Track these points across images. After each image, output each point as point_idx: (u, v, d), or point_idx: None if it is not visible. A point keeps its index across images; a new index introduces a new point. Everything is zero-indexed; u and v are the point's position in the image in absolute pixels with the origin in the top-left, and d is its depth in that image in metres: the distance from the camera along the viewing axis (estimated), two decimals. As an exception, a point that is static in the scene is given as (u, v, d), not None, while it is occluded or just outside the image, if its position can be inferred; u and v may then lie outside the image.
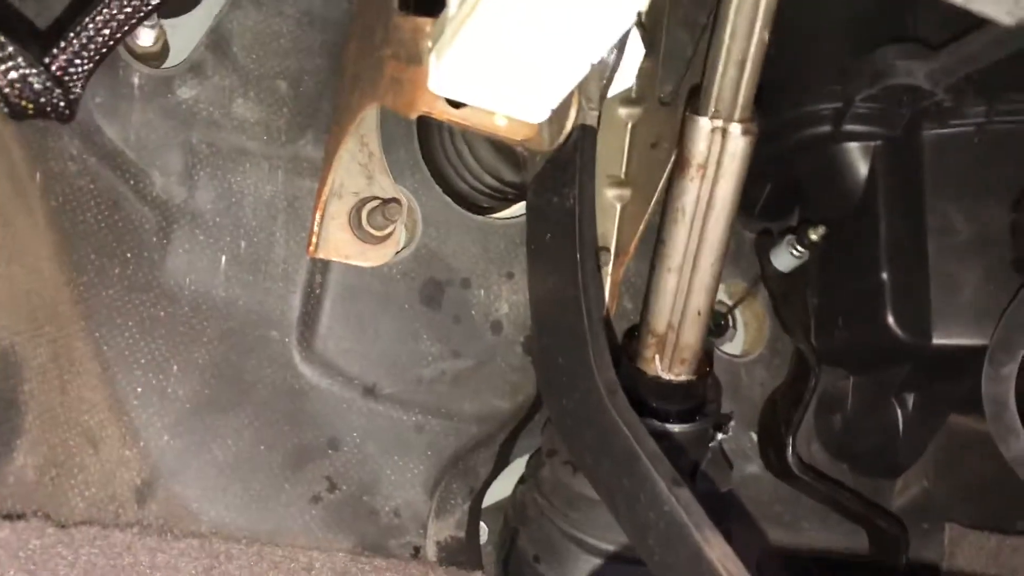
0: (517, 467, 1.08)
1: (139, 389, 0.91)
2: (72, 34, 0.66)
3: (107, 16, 0.66)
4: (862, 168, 1.03)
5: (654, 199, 0.98)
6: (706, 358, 0.92)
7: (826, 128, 1.02)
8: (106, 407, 0.88)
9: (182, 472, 0.92)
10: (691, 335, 0.86)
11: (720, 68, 0.79)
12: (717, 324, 1.18)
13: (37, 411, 0.84)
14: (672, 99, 0.99)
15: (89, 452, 0.87)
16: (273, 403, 0.96)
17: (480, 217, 1.03)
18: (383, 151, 0.94)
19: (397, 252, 0.98)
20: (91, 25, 0.66)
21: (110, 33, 0.67)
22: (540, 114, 0.75)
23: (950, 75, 0.93)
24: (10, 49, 0.61)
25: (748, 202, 1.18)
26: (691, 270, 0.84)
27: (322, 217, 0.93)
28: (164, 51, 0.93)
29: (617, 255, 1.05)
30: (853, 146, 1.02)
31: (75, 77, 0.66)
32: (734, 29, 0.77)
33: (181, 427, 0.93)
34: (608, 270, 1.05)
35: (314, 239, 0.93)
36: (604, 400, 0.68)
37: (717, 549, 0.60)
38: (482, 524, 1.09)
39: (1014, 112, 0.96)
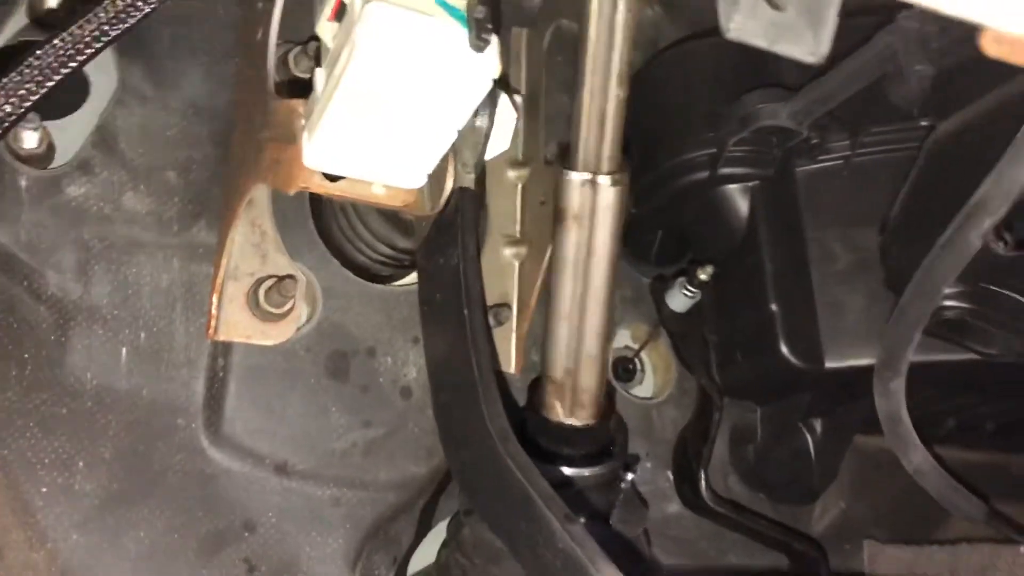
0: (441, 531, 1.09)
1: (44, 490, 0.90)
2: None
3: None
4: (742, 208, 1.08)
5: (548, 254, 1.01)
6: (608, 401, 0.95)
7: (704, 174, 1.07)
8: (9, 512, 0.87)
9: (93, 569, 0.90)
10: (588, 379, 0.89)
11: (584, 125, 0.84)
12: (626, 369, 1.21)
13: (-66, 524, 0.83)
14: (556, 158, 1.03)
15: (-7, 560, 0.85)
16: (184, 490, 0.95)
17: (380, 286, 1.05)
18: (278, 232, 0.96)
19: (299, 328, 0.99)
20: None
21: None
22: (414, 181, 0.78)
23: (811, 114, 1.00)
24: None
25: (643, 250, 1.23)
26: (579, 317, 0.87)
27: (219, 300, 0.93)
28: (50, 152, 0.94)
29: (520, 311, 1.08)
30: (731, 188, 1.08)
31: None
32: (592, 89, 0.82)
33: (90, 523, 0.91)
34: (513, 325, 1.08)
35: (213, 322, 0.93)
36: (497, 447, 0.70)
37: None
38: (409, 593, 1.08)
39: (876, 144, 1.02)
